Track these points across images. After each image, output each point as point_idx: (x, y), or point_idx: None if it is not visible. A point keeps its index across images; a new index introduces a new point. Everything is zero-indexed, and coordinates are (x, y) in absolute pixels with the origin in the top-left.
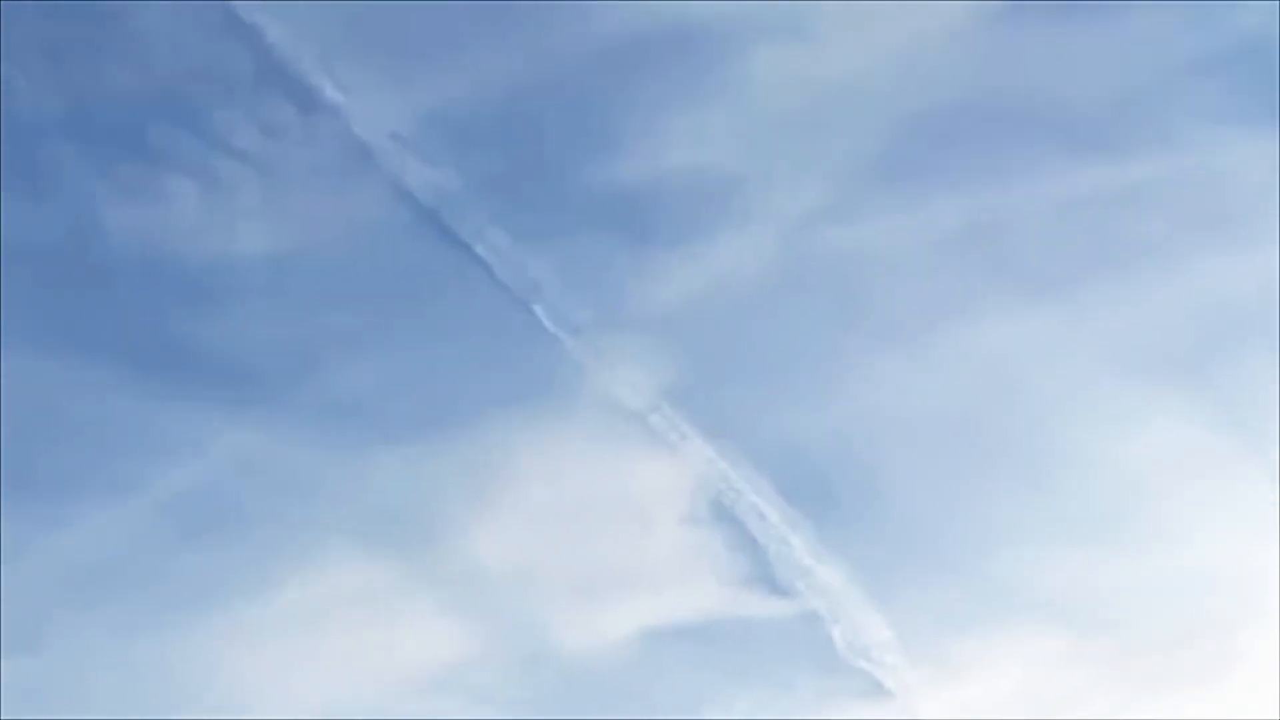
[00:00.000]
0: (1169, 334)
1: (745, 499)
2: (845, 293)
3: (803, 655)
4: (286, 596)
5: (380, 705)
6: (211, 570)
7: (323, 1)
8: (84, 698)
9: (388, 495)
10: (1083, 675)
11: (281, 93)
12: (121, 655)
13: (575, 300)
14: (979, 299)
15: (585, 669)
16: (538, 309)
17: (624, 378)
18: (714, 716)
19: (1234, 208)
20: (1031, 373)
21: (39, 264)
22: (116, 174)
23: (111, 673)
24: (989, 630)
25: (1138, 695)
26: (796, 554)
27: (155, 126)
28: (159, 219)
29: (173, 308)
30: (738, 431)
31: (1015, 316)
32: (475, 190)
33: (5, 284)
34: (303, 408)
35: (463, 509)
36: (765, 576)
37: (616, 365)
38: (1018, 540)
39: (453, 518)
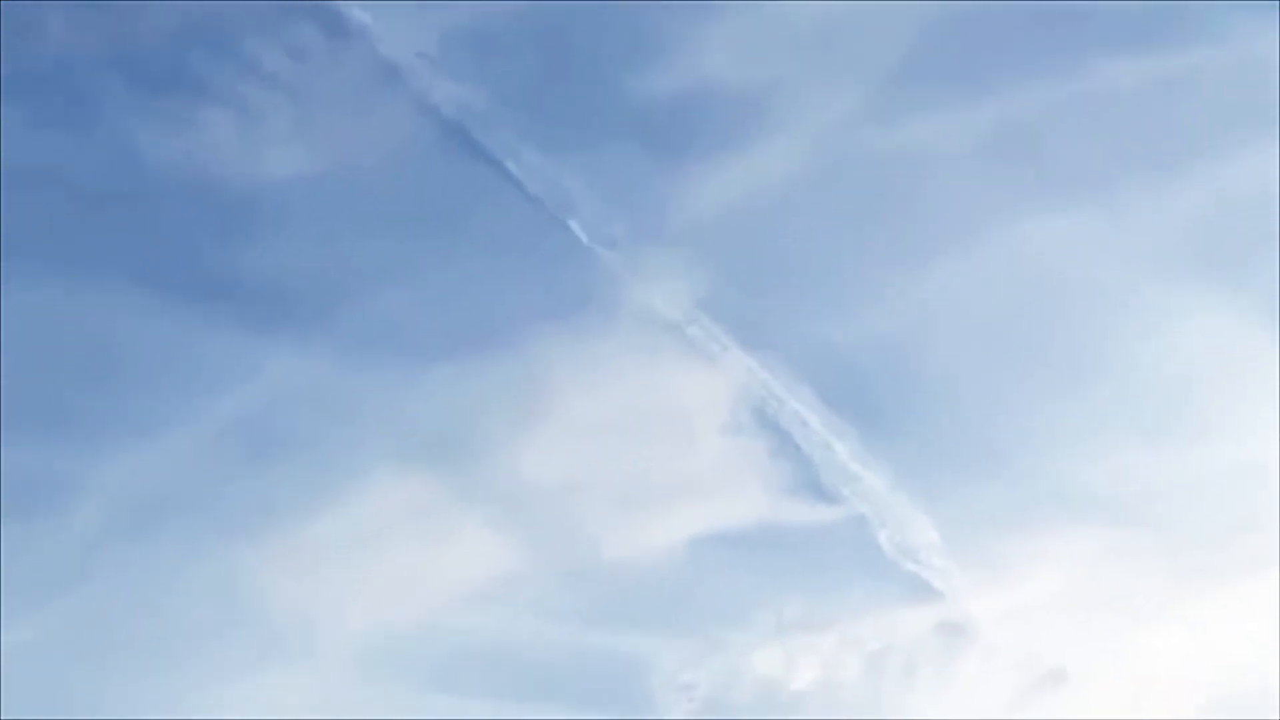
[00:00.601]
0: (1212, 228)
1: (787, 407)
2: (883, 197)
3: (850, 560)
4: (337, 518)
5: (431, 620)
6: (263, 496)
7: None
8: (144, 625)
9: (432, 415)
10: (1130, 572)
11: (308, 16)
12: (179, 582)
13: (610, 214)
14: (1018, 199)
15: (632, 579)
16: (573, 224)
17: (662, 290)
18: (766, 623)
19: (1276, 98)
20: (1074, 271)
21: (78, 196)
22: (151, 104)
23: (170, 600)
24: (1036, 530)
25: (1184, 591)
26: (840, 460)
27: (187, 55)
28: (194, 147)
29: (212, 236)
30: (778, 340)
31: (1056, 215)
32: (505, 106)
33: (46, 217)
34: (345, 331)
35: (506, 426)
36: (810, 483)
37: (654, 278)
38: (1063, 439)
39: (497, 435)
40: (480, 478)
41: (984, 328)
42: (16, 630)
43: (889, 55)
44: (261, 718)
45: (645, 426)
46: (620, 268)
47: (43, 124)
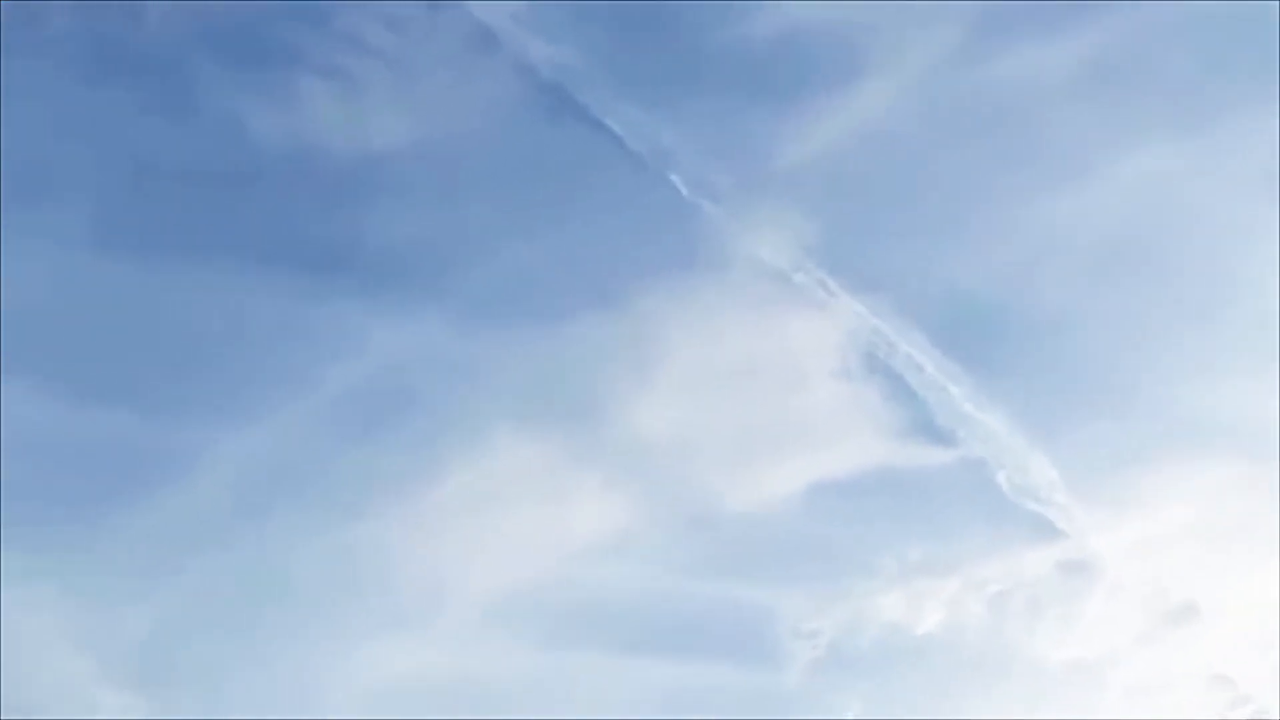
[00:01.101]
0: None
1: (899, 350)
2: (987, 133)
3: (970, 502)
4: (458, 481)
5: (554, 577)
6: (385, 461)
7: None
8: (275, 591)
9: (547, 374)
10: (1259, 503)
11: None
12: (307, 548)
13: (712, 165)
14: (1128, 127)
15: (751, 529)
16: (675, 178)
17: (767, 238)
18: (888, 568)
19: None
20: (1193, 201)
21: (187, 178)
22: (253, 83)
23: (299, 565)
24: (1160, 463)
25: None
26: (955, 401)
27: (285, 31)
28: (298, 122)
29: (322, 209)
30: (887, 283)
31: (1171, 144)
32: (601, 63)
33: (158, 200)
34: (458, 297)
35: (620, 382)
36: (925, 426)
37: (759, 227)
38: (1186, 370)
39: (611, 391)
40: (597, 434)
41: (1099, 260)
42: (157, 601)
43: None
44: (393, 678)
45: (757, 377)
46: (724, 219)
47: (149, 110)
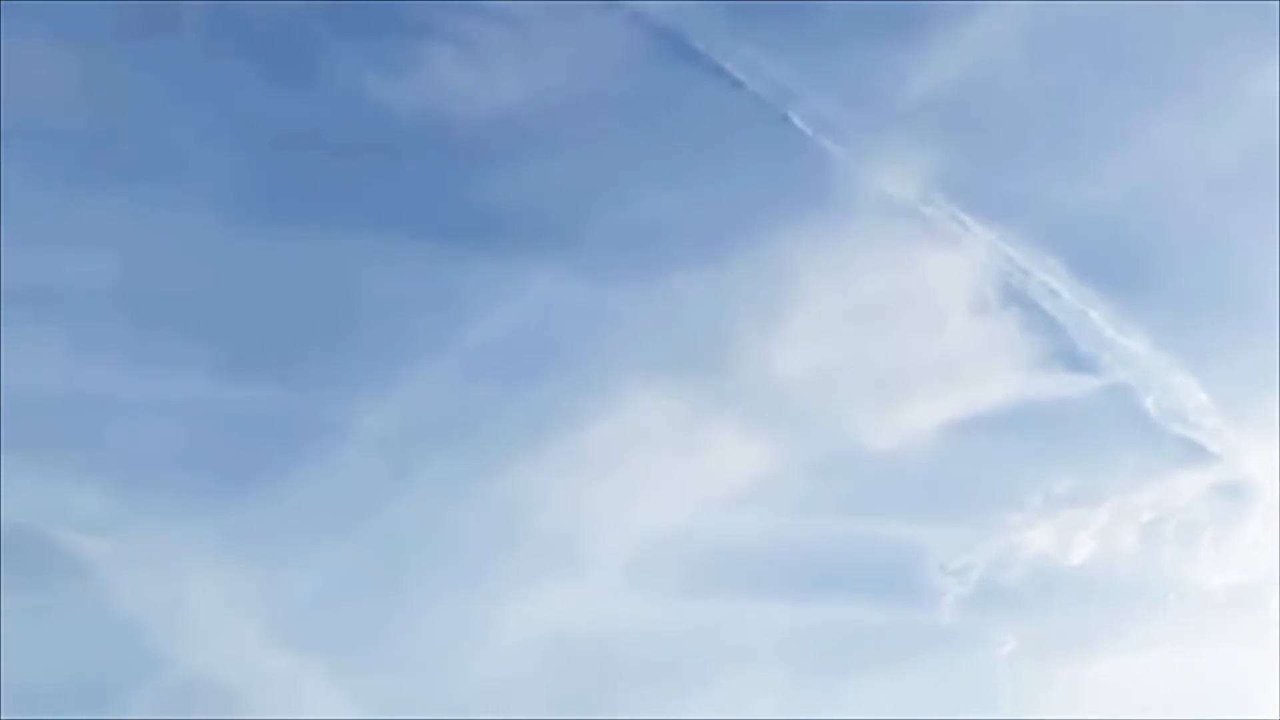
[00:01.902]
0: None
1: (1034, 279)
2: (1112, 55)
3: (1116, 430)
4: (599, 432)
5: (697, 524)
6: (525, 416)
7: None
8: (429, 547)
9: (681, 322)
10: None
11: None
12: (455, 505)
13: (834, 104)
14: (1266, 44)
15: (893, 467)
16: (797, 119)
17: (894, 173)
18: (1035, 501)
19: None
20: None
21: (319, 148)
22: (374, 51)
23: (448, 522)
24: None
25: None
26: (1096, 327)
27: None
28: (422, 88)
29: (452, 172)
30: (1018, 210)
31: None
32: (716, 7)
33: (289, 172)
34: (588, 251)
35: (754, 327)
36: (1066, 355)
37: (884, 162)
38: None
39: (745, 336)
40: (733, 380)
41: (1237, 176)
42: (316, 564)
43: None
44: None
45: (892, 314)
46: (850, 157)
47: (274, 83)
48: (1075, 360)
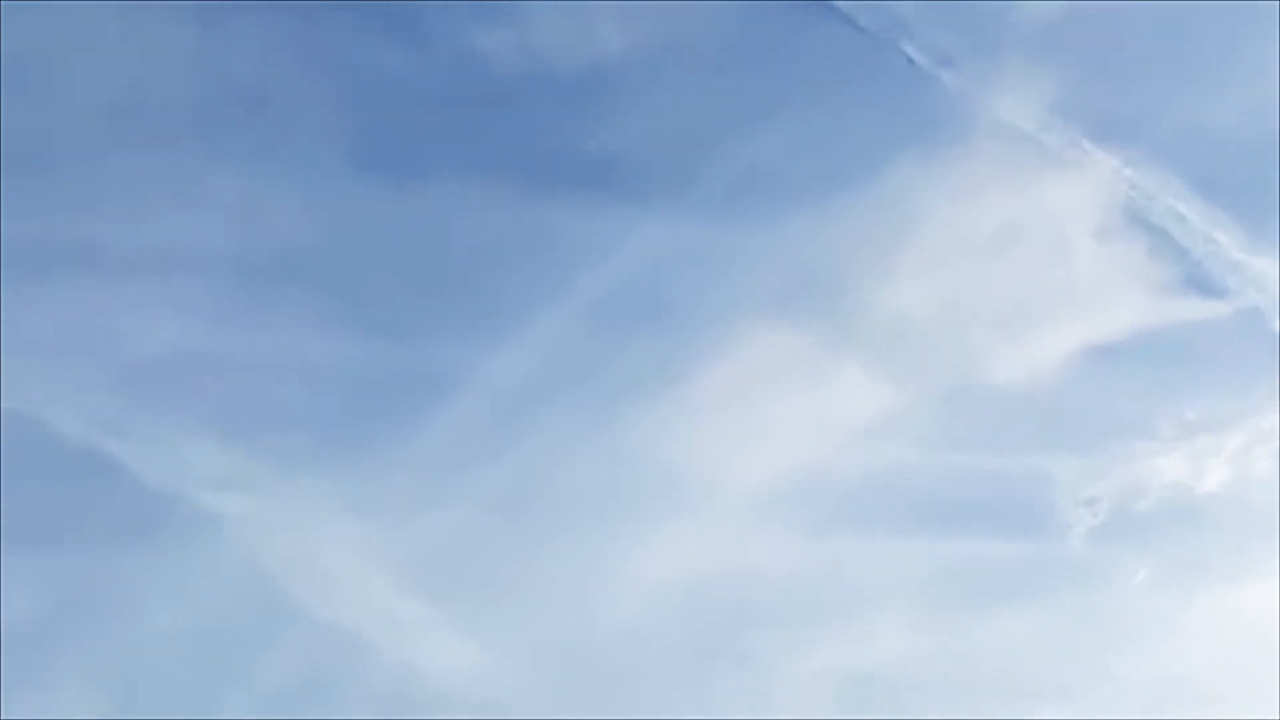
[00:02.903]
0: None
1: (1159, 202)
2: None
3: (1248, 354)
4: (721, 373)
5: (823, 462)
6: (647, 360)
7: None
8: (553, 494)
9: (798, 261)
10: None
11: None
12: (578, 450)
13: (945, 33)
14: None
15: (1019, 399)
16: (909, 49)
17: (1010, 100)
18: (1166, 429)
19: None
20: None
21: (426, 102)
22: (478, 3)
23: (573, 467)
24: None
25: None
26: (1224, 250)
27: None
28: (526, 39)
29: (560, 121)
30: (1139, 133)
31: None
32: None
33: (405, 126)
34: (703, 192)
35: (873, 262)
36: (1194, 279)
37: (1001, 90)
38: None
39: (864, 272)
40: (853, 316)
41: None
42: (441, 514)
43: None
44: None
45: (1013, 243)
46: (964, 86)
47: (380, 39)
48: (1203, 284)
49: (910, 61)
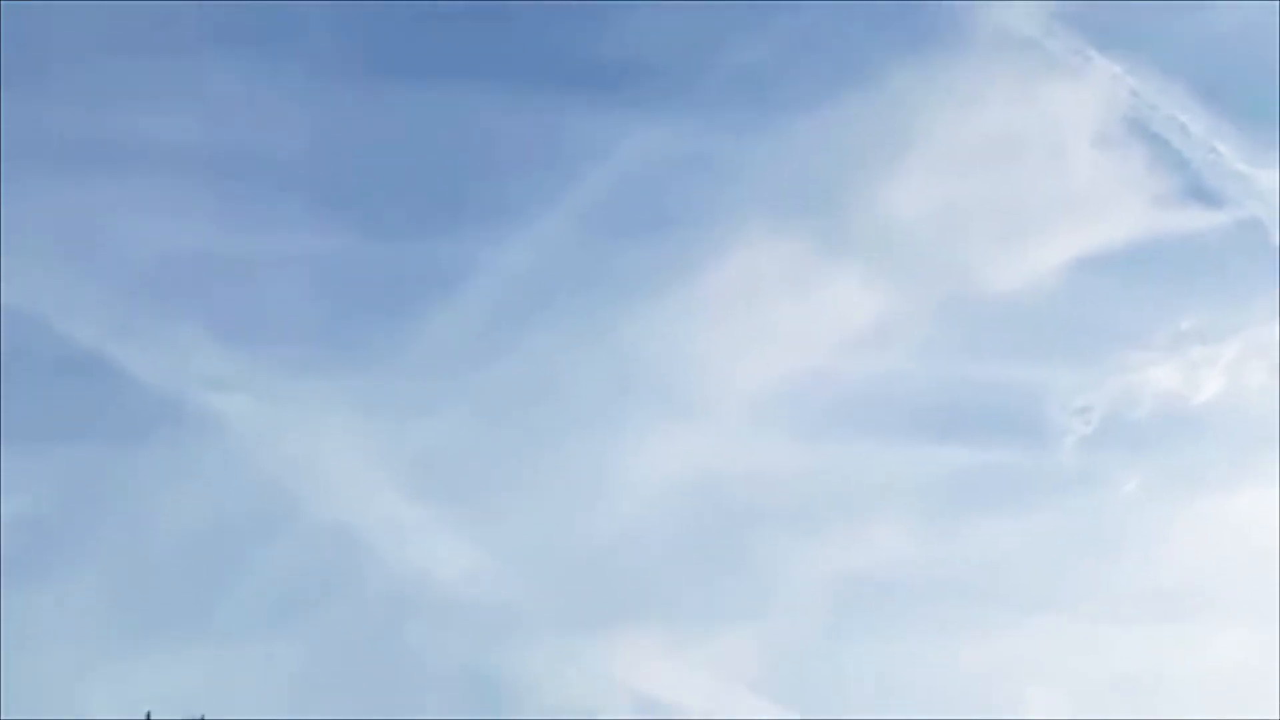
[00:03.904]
0: None
1: (1160, 111)
2: None
3: (1245, 265)
4: (717, 279)
5: (817, 368)
6: (644, 264)
7: None
8: (552, 394)
9: (798, 165)
10: None
11: None
12: (575, 351)
13: None
14: None
15: (1015, 307)
16: None
17: (1015, 6)
18: (1160, 339)
19: None
20: None
21: (427, 6)
22: None
23: (569, 368)
24: None
25: None
26: (1225, 161)
27: None
28: None
29: (561, 25)
30: (1141, 40)
31: None
32: None
33: (406, 28)
34: (703, 96)
35: (872, 167)
36: (1194, 190)
37: None
38: None
39: (864, 177)
40: (853, 222)
41: None
42: (439, 414)
43: None
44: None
45: (1014, 151)
46: None
47: None
48: (1203, 195)
49: None
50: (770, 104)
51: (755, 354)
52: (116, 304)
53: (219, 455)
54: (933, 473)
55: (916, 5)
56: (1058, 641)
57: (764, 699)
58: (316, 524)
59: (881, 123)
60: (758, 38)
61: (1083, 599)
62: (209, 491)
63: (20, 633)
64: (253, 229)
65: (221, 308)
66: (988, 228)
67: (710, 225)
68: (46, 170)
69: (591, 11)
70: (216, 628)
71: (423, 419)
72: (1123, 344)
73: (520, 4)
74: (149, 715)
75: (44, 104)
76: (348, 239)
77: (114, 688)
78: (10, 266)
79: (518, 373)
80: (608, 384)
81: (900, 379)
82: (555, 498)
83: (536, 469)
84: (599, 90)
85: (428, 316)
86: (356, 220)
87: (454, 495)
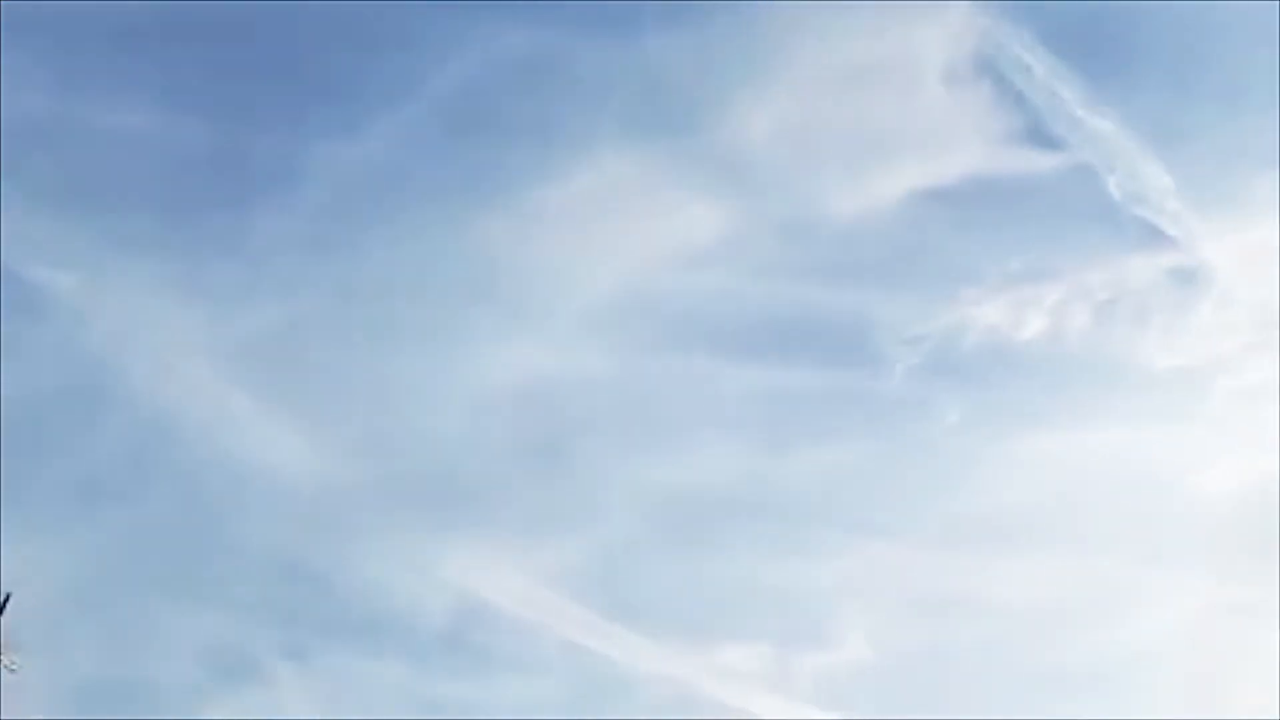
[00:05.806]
0: None
1: (1008, 52)
2: None
3: (1078, 209)
4: (563, 188)
5: (657, 282)
6: (489, 169)
7: None
8: (387, 297)
9: (652, 79)
10: None
11: None
12: (415, 254)
13: None
14: None
15: (855, 235)
16: None
17: None
18: (991, 276)
19: None
20: None
21: None
22: None
23: (408, 270)
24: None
25: None
26: (1066, 106)
27: None
28: None
29: None
30: None
31: None
32: None
33: None
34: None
35: (729, 88)
36: (1034, 131)
37: None
38: None
39: (717, 98)
40: (702, 140)
41: None
42: (272, 306)
43: None
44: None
45: (864, 81)
46: None
47: None
48: (1042, 137)
49: None
50: (630, 15)
51: (597, 265)
52: None
53: (41, 329)
54: (762, 392)
55: None
56: (875, 564)
57: (584, 607)
58: (137, 404)
59: (741, 46)
60: None
61: (902, 524)
62: (28, 365)
63: None
64: (92, 99)
65: (55, 179)
66: (835, 155)
67: (561, 133)
68: None
69: None
70: (25, 508)
71: (257, 308)
72: (954, 278)
73: None
74: None
75: None
76: (192, 119)
77: None
78: None
79: (353, 268)
80: (447, 286)
81: (736, 298)
82: (388, 397)
83: (370, 367)
84: None
85: (265, 203)
86: (202, 101)
87: (284, 387)
